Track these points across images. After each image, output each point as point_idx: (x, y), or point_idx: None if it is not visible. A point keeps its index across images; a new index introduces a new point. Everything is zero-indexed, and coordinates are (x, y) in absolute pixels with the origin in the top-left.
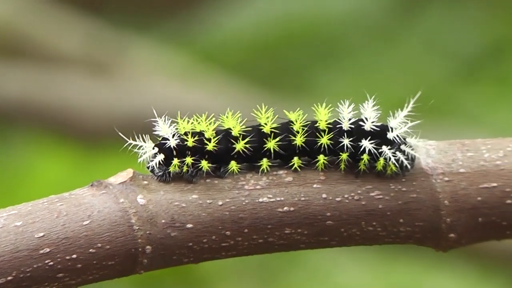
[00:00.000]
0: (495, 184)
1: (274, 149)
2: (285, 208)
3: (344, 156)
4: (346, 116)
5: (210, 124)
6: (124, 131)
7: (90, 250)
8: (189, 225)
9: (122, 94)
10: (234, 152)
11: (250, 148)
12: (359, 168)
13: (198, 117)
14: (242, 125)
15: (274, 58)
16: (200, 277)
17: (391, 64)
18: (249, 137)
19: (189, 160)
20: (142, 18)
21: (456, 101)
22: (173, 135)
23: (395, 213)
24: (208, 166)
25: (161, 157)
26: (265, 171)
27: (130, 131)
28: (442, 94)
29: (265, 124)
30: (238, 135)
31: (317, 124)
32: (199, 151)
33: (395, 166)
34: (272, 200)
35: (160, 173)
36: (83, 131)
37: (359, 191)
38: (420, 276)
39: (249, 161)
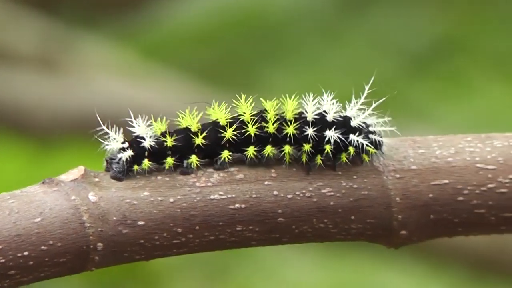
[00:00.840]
0: (446, 181)
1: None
2: (237, 205)
3: (306, 147)
4: (310, 108)
5: (194, 118)
6: (76, 128)
7: (42, 247)
8: (141, 222)
9: (73, 91)
10: (224, 142)
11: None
12: (315, 162)
13: (182, 113)
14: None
15: (220, 52)
16: (149, 271)
17: (337, 60)
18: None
19: (170, 160)
20: (91, 15)
21: (404, 98)
22: (150, 136)
23: (346, 210)
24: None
25: (129, 153)
26: (250, 157)
27: (81, 128)
28: (390, 90)
29: (244, 113)
30: (226, 123)
31: (283, 114)
32: (183, 148)
33: (372, 148)
34: (223, 197)
35: (118, 169)
36: (35, 129)
37: (310, 188)
38: (369, 272)
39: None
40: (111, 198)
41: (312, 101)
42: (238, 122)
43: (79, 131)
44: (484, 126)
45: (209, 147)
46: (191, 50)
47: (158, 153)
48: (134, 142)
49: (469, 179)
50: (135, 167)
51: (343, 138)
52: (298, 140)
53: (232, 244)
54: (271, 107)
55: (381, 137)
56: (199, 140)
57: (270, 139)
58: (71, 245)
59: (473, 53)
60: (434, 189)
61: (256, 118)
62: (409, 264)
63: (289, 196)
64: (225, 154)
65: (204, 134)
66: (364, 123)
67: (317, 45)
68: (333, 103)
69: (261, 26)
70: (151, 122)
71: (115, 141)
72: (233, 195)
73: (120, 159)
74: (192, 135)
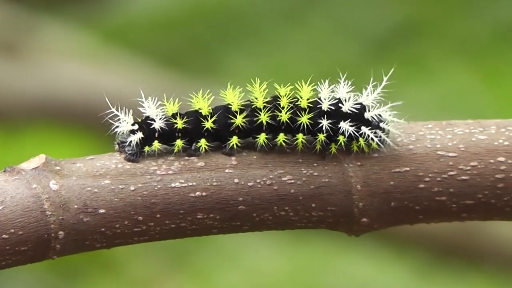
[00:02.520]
0: (407, 169)
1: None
2: (197, 193)
3: (321, 136)
4: (325, 96)
5: (204, 100)
6: (38, 113)
7: (3, 236)
8: (102, 210)
9: (35, 76)
10: (233, 128)
11: (247, 124)
12: (330, 149)
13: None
14: (241, 101)
15: (182, 37)
16: (110, 257)
17: (300, 43)
18: (245, 112)
19: (179, 142)
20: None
21: (365, 81)
22: (160, 118)
23: (307, 198)
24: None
25: (140, 135)
26: (262, 144)
27: (43, 112)
28: (351, 73)
29: (256, 98)
30: (237, 110)
31: (298, 103)
32: (197, 131)
33: (377, 144)
34: (184, 185)
35: (131, 152)
36: None
37: (271, 176)
38: (330, 258)
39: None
40: (72, 186)
41: (328, 87)
42: (249, 108)
43: (41, 116)
44: (445, 109)
45: (219, 132)
46: (154, 35)
47: (168, 135)
48: (144, 123)
49: (430, 166)
50: (146, 148)
51: (355, 133)
52: (312, 130)
53: (193, 232)
54: (284, 94)
55: (387, 135)
56: (208, 124)
57: (283, 127)
58: (32, 234)
59: (435, 37)
60: (395, 177)
61: (269, 105)
62: (371, 250)
63: (249, 184)
64: (234, 140)
65: (214, 118)
66: (377, 115)
67: (280, 29)
68: (348, 91)
69: (224, 11)
70: (162, 103)
71: (125, 123)
72: (194, 183)
73: (131, 141)
74: (202, 119)
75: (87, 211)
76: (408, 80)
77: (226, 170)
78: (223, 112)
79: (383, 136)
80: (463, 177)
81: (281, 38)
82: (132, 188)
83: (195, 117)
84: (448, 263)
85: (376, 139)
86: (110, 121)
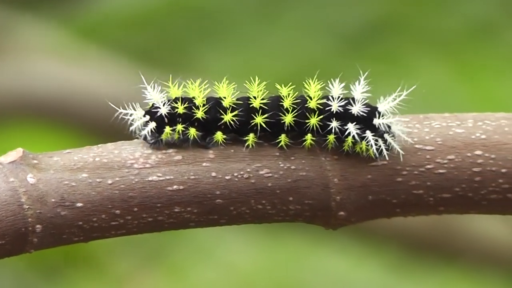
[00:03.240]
0: (384, 162)
1: (261, 125)
2: (175, 186)
3: (331, 138)
4: (336, 95)
5: (201, 91)
6: (12, 110)
7: None
8: (79, 204)
9: (10, 73)
10: (221, 123)
11: (237, 122)
12: (343, 148)
13: (193, 82)
14: (234, 96)
15: (157, 33)
16: (86, 251)
17: (274, 40)
18: (237, 110)
19: (179, 127)
20: None
21: (342, 79)
22: (164, 103)
23: (284, 191)
24: (196, 134)
25: (152, 125)
26: (251, 146)
27: (18, 109)
28: (325, 70)
29: (255, 97)
30: (228, 106)
31: (307, 104)
32: (188, 118)
33: (373, 152)
34: (161, 178)
35: (152, 141)
36: None
37: (248, 169)
38: (306, 253)
39: (236, 133)
40: (50, 180)
41: (339, 86)
42: (243, 108)
43: (18, 112)
44: (421, 104)
45: (207, 123)
46: (128, 32)
47: (172, 120)
48: (151, 112)
49: (408, 159)
50: (163, 135)
51: (357, 137)
52: (320, 131)
53: (170, 226)
54: (286, 93)
55: (388, 149)
56: (200, 114)
57: (286, 129)
58: (9, 227)
59: (410, 33)
60: (372, 170)
61: (267, 107)
62: (347, 245)
63: (227, 177)
64: (219, 136)
65: (206, 108)
66: (386, 124)
67: (254, 25)
68: (363, 92)
69: (198, 7)
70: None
71: (137, 117)
72: (171, 177)
73: (148, 132)
74: (194, 107)
75: (64, 204)
76: (384, 76)
77: (204, 164)
78: (214, 105)
79: (383, 147)
80: (440, 171)
81: (255, 34)
82: (109, 181)
83: (189, 104)
84: (424, 258)
85: (374, 147)
86: (125, 117)
